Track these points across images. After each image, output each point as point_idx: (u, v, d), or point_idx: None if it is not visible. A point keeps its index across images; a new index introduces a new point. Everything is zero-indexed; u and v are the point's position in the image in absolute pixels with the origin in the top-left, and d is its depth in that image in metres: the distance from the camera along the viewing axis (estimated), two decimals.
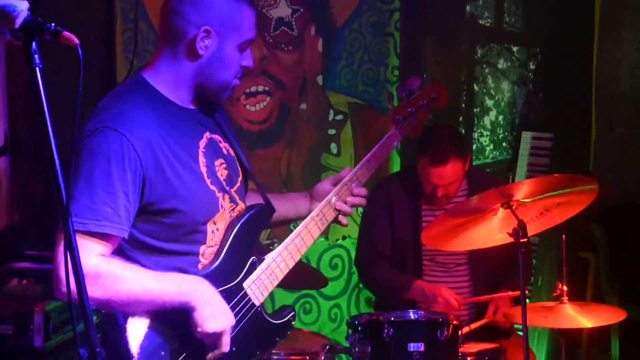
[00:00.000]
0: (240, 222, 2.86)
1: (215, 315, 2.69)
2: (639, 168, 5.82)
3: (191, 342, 2.72)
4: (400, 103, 3.47)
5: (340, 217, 3.16)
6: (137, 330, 2.66)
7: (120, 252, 2.69)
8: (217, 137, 2.91)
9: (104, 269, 2.58)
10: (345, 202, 3.15)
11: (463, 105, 6.19)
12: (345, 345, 3.76)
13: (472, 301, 4.30)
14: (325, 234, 5.45)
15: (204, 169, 2.79)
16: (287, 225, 3.85)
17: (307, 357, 3.88)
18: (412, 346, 3.60)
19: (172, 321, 2.68)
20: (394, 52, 5.77)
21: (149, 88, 2.78)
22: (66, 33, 1.98)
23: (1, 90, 4.64)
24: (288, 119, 5.57)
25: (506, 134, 6.33)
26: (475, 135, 6.23)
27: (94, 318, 2.11)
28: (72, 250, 2.04)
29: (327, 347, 3.62)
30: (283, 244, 3.00)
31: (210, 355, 2.73)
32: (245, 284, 2.86)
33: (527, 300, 3.54)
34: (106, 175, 2.59)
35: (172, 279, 2.68)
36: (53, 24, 1.98)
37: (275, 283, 2.95)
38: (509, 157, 6.26)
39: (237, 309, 2.83)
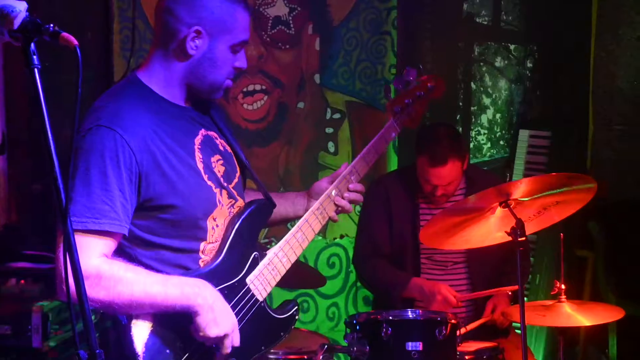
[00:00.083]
0: (242, 217, 2.87)
1: (217, 321, 2.69)
2: (637, 166, 5.81)
3: (194, 341, 2.73)
4: (397, 95, 3.47)
5: (332, 214, 3.16)
6: (141, 330, 2.66)
7: (121, 250, 2.70)
8: (212, 133, 2.92)
9: (106, 270, 2.58)
10: (343, 198, 3.16)
11: (460, 104, 6.19)
12: (343, 345, 3.76)
13: (470, 297, 4.29)
14: (322, 232, 5.45)
15: (200, 165, 2.80)
16: (284, 225, 3.85)
17: (305, 357, 3.88)
18: (410, 345, 3.59)
19: (176, 320, 2.69)
20: (391, 50, 5.76)
21: (143, 87, 2.79)
22: (65, 34, 1.97)
23: None
24: (285, 117, 5.57)
25: (503, 132, 6.33)
26: (473, 133, 6.23)
27: (92, 317, 2.10)
28: (71, 250, 2.04)
29: (326, 346, 3.61)
30: (284, 238, 3.01)
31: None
32: (248, 280, 2.87)
33: (525, 299, 3.54)
34: (102, 174, 2.60)
35: (175, 283, 2.68)
36: (52, 25, 1.98)
37: (278, 278, 2.96)
38: (506, 155, 6.26)
39: (241, 305, 2.84)
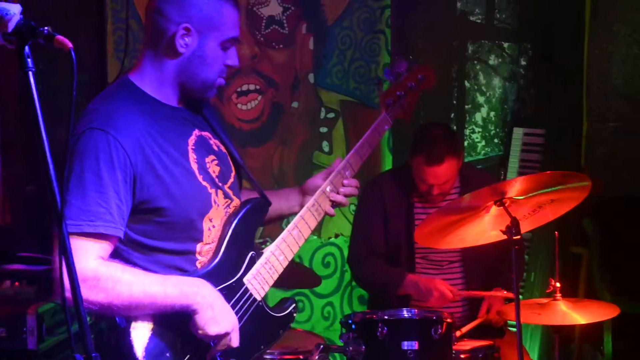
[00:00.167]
0: (238, 217, 2.87)
1: (217, 319, 2.69)
2: (631, 162, 5.81)
3: (195, 342, 2.72)
4: (389, 87, 3.47)
5: (328, 208, 3.16)
6: (140, 333, 2.65)
7: (117, 254, 2.69)
8: (206, 134, 2.91)
9: (104, 272, 2.58)
10: (338, 193, 3.16)
11: (454, 102, 6.19)
12: (339, 344, 3.76)
13: (466, 294, 4.29)
14: (317, 231, 5.45)
15: (194, 166, 2.80)
16: (279, 224, 3.84)
17: (301, 357, 3.87)
18: (406, 344, 3.60)
19: (176, 322, 2.68)
20: (385, 49, 5.76)
21: (135, 89, 2.80)
22: (59, 37, 1.97)
23: None
24: (280, 117, 5.57)
25: (498, 130, 6.32)
26: (467, 131, 6.22)
27: (87, 319, 2.10)
28: (66, 253, 2.03)
29: (321, 346, 3.61)
30: (281, 236, 3.00)
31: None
32: (245, 279, 2.87)
33: (520, 297, 3.54)
34: (96, 176, 2.60)
35: (173, 282, 2.68)
36: (46, 28, 1.97)
37: (276, 276, 2.96)
38: (500, 154, 6.26)
39: (239, 305, 2.84)
